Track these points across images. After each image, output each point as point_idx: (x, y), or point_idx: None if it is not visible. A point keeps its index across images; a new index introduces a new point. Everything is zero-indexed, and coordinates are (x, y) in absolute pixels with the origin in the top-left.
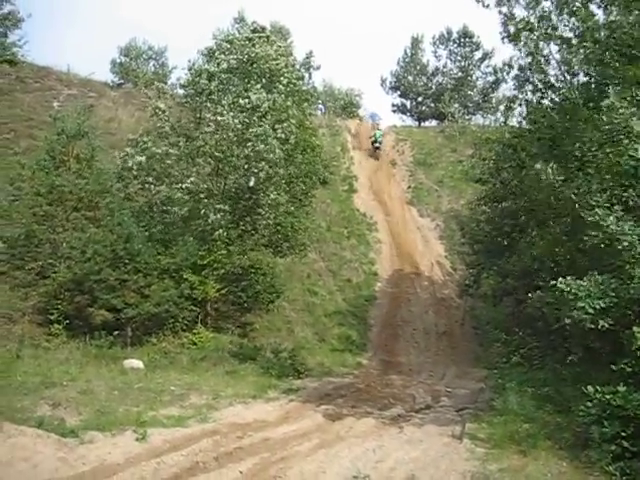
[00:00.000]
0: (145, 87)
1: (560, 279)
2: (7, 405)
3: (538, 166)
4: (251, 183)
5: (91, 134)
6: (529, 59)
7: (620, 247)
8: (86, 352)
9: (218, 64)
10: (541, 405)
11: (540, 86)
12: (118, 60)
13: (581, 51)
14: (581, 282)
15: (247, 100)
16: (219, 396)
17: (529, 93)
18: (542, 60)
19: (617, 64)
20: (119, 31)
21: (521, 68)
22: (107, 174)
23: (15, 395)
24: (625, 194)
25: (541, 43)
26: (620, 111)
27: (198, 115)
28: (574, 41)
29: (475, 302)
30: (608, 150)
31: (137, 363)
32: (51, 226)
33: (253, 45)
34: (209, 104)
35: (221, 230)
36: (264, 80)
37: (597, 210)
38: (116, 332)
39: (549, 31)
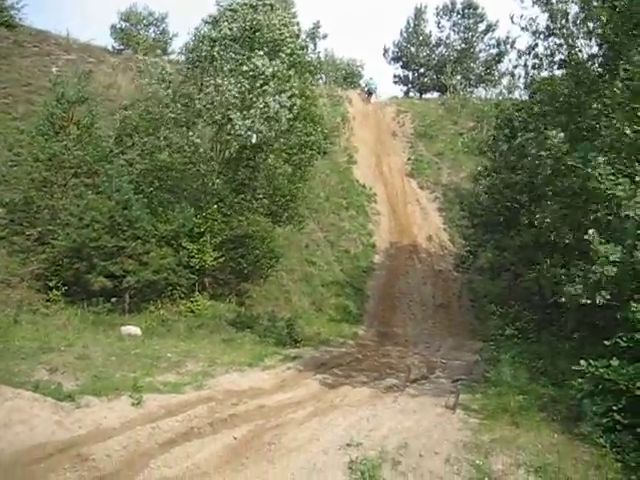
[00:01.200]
0: (145, 54)
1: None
2: (5, 369)
3: (552, 133)
4: (253, 140)
5: (91, 100)
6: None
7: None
8: (84, 318)
9: (220, 30)
10: (535, 378)
11: (555, 52)
12: (118, 25)
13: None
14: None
15: (251, 66)
16: (215, 363)
17: (532, 63)
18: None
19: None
20: None
21: (535, 32)
22: (106, 140)
23: (13, 360)
24: (630, 169)
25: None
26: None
27: (200, 82)
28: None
29: (472, 275)
30: (616, 120)
31: (134, 330)
32: (50, 192)
33: (256, 12)
34: (211, 69)
35: (218, 180)
36: (267, 49)
37: (605, 180)
38: (114, 299)
39: None
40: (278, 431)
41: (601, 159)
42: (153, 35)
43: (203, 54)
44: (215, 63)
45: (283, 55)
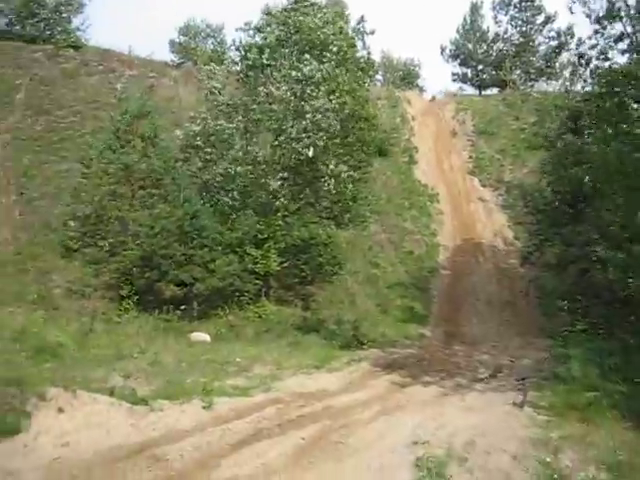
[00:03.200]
0: (203, 65)
1: None
2: (82, 376)
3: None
4: (310, 153)
5: (153, 113)
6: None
7: None
8: (155, 326)
9: (265, 37)
10: (606, 375)
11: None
12: (177, 40)
13: None
14: None
15: (300, 73)
16: (282, 367)
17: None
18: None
19: None
20: (177, 9)
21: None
22: (170, 152)
23: (89, 367)
24: None
25: None
26: None
27: (253, 89)
28: None
29: (538, 272)
30: None
31: (203, 336)
32: (119, 204)
33: (297, 14)
34: (262, 77)
35: (282, 199)
36: (316, 51)
37: None
38: (183, 306)
39: None
40: (345, 431)
41: None
42: (211, 46)
43: (254, 63)
44: (266, 71)
45: (329, 55)
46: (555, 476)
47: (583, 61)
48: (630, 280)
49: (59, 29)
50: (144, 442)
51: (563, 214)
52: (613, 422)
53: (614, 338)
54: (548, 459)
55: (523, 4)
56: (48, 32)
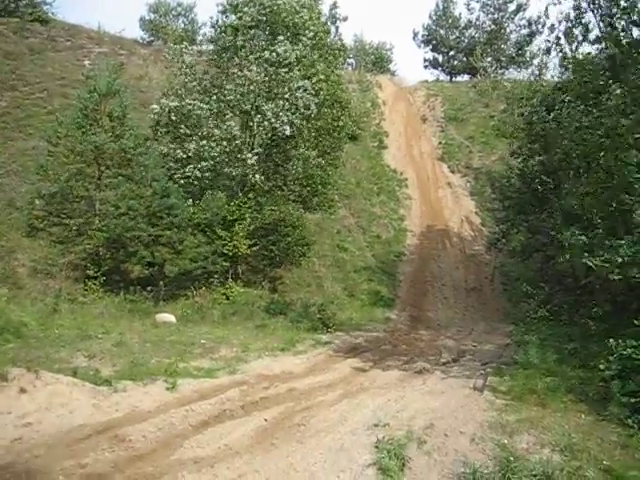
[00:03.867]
0: (173, 44)
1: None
2: (45, 356)
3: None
4: (287, 132)
5: (122, 92)
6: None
7: None
8: (121, 307)
9: (240, 18)
10: (564, 360)
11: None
12: (147, 17)
13: None
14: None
15: (274, 54)
16: (248, 349)
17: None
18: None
19: None
20: None
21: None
22: (139, 131)
23: (52, 347)
24: None
25: None
26: None
27: (225, 71)
28: None
29: (504, 258)
30: None
31: (169, 317)
32: (86, 183)
33: None
34: (236, 59)
35: (258, 175)
36: (289, 33)
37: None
38: (150, 287)
39: None
40: (308, 413)
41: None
42: (182, 25)
43: (227, 44)
44: (240, 52)
45: (305, 39)
46: (511, 458)
47: (553, 50)
48: (590, 264)
49: (24, 2)
50: (107, 423)
51: (530, 201)
52: (569, 406)
53: (575, 324)
54: (505, 441)
55: None
56: (13, 5)
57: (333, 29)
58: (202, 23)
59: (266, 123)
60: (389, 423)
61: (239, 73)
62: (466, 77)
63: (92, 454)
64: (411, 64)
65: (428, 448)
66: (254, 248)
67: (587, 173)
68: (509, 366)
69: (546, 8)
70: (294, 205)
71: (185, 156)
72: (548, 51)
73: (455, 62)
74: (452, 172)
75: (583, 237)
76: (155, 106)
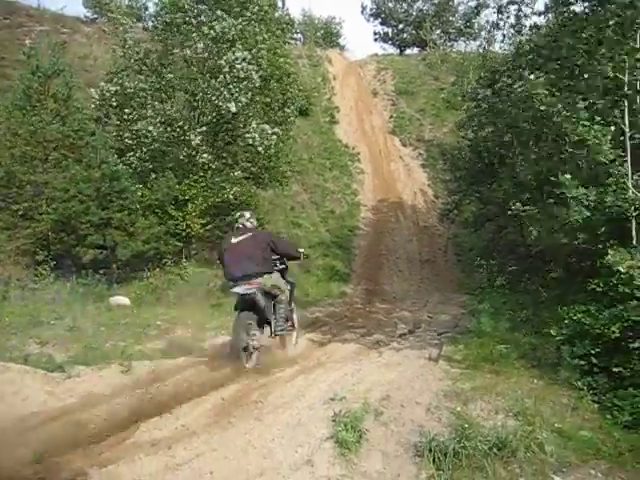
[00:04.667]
0: (115, 22)
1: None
2: None
3: (531, 77)
4: (232, 109)
5: (67, 72)
6: None
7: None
8: (73, 291)
9: None
10: (517, 327)
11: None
12: None
13: None
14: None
15: (212, 30)
16: (204, 329)
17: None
18: None
19: None
20: None
21: None
22: (85, 112)
23: (3, 335)
24: (603, 115)
25: None
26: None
27: (169, 49)
28: None
29: (457, 229)
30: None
31: (123, 300)
32: (32, 167)
33: None
34: (178, 36)
35: (205, 155)
36: (237, 8)
37: (579, 126)
38: (102, 270)
39: None
40: (265, 390)
41: (581, 104)
42: (127, 1)
43: (169, 21)
44: (181, 29)
45: (249, 13)
46: (465, 425)
47: (502, 20)
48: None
49: None
50: (61, 409)
51: (482, 172)
52: (522, 372)
53: (528, 292)
54: (459, 409)
55: None
56: None
57: (280, 3)
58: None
59: (208, 103)
60: (346, 396)
61: (180, 53)
62: (416, 50)
63: (47, 441)
64: (361, 38)
65: (385, 419)
66: (208, 227)
67: (536, 143)
68: (464, 335)
69: None
70: (245, 182)
71: (133, 138)
72: (497, 26)
73: (404, 35)
74: (404, 145)
75: (530, 207)
76: (93, 91)
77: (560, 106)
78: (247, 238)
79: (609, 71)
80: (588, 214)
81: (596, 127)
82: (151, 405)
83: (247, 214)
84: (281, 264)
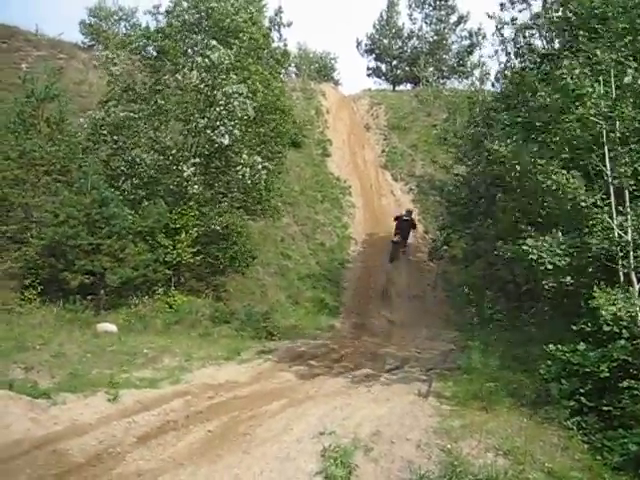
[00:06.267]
0: (109, 50)
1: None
2: None
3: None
4: (225, 141)
5: (61, 97)
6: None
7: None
8: (60, 317)
9: (170, 25)
10: (506, 364)
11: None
12: (87, 21)
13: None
14: (544, 240)
15: (207, 59)
16: (192, 358)
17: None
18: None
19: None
20: None
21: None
22: (77, 137)
23: None
24: (583, 161)
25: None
26: (575, 73)
27: (161, 77)
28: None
29: (447, 266)
30: (564, 117)
31: (110, 327)
32: (23, 190)
33: (210, 1)
34: (170, 64)
35: (196, 186)
36: (228, 38)
37: (554, 176)
38: (90, 296)
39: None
40: (253, 422)
41: (548, 155)
42: (124, 30)
43: (158, 50)
44: (173, 59)
45: (238, 42)
46: (455, 463)
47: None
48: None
49: None
50: (45, 437)
51: (474, 209)
52: (511, 410)
53: (517, 329)
54: (449, 447)
55: (437, 3)
56: None
57: (277, 35)
58: (144, 28)
59: (202, 134)
60: (335, 431)
61: (171, 80)
62: (409, 86)
63: (29, 470)
64: (355, 73)
65: (374, 455)
66: (198, 258)
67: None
68: (453, 372)
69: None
70: (237, 212)
71: (126, 166)
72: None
73: (398, 71)
74: (395, 180)
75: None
76: (82, 120)
77: (530, 159)
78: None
79: (590, 118)
80: (558, 263)
81: (568, 175)
82: (138, 435)
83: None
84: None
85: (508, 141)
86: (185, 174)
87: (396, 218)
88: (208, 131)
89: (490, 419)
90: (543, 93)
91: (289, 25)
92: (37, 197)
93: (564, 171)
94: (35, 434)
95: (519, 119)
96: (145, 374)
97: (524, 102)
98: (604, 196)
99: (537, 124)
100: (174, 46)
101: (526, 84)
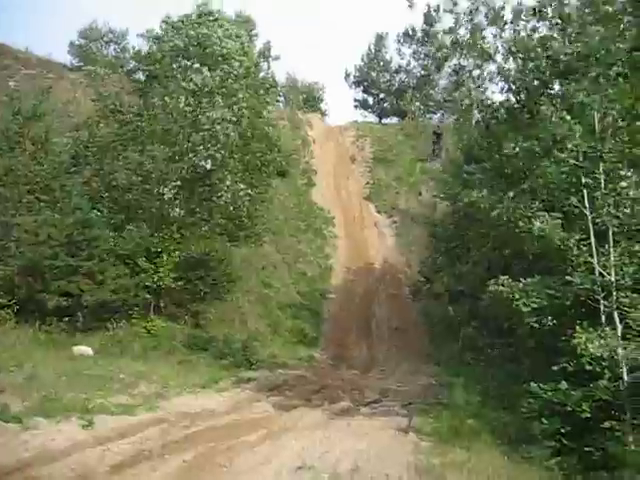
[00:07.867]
0: (96, 72)
1: (499, 280)
2: None
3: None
4: (208, 166)
5: (49, 116)
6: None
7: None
8: (35, 338)
9: (161, 50)
10: (487, 401)
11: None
12: (77, 42)
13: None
14: (525, 284)
15: (191, 83)
16: (169, 385)
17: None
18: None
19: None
20: (83, 11)
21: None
22: (62, 157)
23: None
24: (561, 204)
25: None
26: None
27: (150, 100)
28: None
29: (429, 300)
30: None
31: (86, 350)
32: (4, 208)
33: (201, 27)
34: (158, 88)
35: (177, 209)
36: (210, 62)
37: (533, 220)
38: (67, 318)
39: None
40: (230, 453)
41: (524, 201)
42: (113, 52)
43: (147, 73)
44: (162, 82)
45: (227, 67)
46: None
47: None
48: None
49: None
50: (15, 464)
51: (456, 246)
52: (492, 448)
53: (498, 366)
54: None
55: (425, 39)
56: None
57: (265, 66)
58: (135, 51)
59: (186, 158)
60: (314, 465)
61: (158, 102)
62: (395, 119)
63: None
64: (342, 104)
65: None
66: (180, 283)
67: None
68: (433, 406)
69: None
70: (220, 238)
71: (107, 188)
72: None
73: (385, 104)
74: (379, 212)
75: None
76: (65, 140)
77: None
78: None
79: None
80: (535, 305)
81: (548, 218)
82: (112, 463)
83: None
84: None
85: (485, 191)
86: (166, 197)
87: None
88: (191, 155)
89: (472, 457)
90: (513, 144)
91: (277, 59)
92: (18, 215)
93: (544, 213)
94: (4, 460)
95: (489, 169)
96: (121, 400)
97: (497, 151)
98: (584, 236)
99: (509, 172)
100: (164, 70)
101: (495, 137)
